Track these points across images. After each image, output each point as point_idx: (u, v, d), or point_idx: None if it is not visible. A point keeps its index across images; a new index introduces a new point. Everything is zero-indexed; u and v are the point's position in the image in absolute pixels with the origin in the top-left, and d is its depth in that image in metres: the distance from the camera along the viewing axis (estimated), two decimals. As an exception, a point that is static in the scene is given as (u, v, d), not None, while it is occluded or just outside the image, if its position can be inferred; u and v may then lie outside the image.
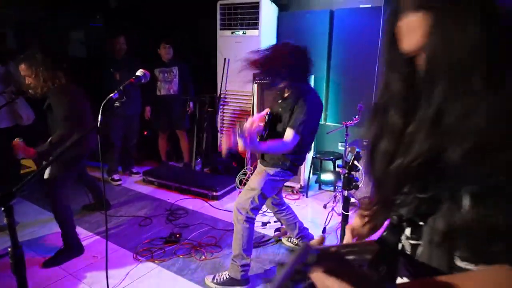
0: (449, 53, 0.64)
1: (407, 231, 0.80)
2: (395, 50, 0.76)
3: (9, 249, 1.35)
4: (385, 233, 0.83)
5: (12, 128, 3.87)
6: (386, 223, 0.85)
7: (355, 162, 1.79)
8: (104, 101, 1.56)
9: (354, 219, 1.02)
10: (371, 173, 0.85)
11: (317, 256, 0.59)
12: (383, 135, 0.81)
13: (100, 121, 1.52)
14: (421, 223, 0.75)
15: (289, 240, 3.12)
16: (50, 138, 2.75)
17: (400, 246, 0.82)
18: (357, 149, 1.81)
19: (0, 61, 3.74)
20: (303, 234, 2.93)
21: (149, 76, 1.79)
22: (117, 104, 1.61)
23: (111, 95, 1.61)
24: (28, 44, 4.24)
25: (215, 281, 2.55)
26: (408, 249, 0.80)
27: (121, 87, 1.64)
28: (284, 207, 2.90)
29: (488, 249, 0.61)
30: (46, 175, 2.85)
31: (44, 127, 4.15)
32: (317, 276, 0.62)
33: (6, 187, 1.32)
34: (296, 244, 3.04)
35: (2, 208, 1.30)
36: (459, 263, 0.67)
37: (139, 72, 1.74)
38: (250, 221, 2.49)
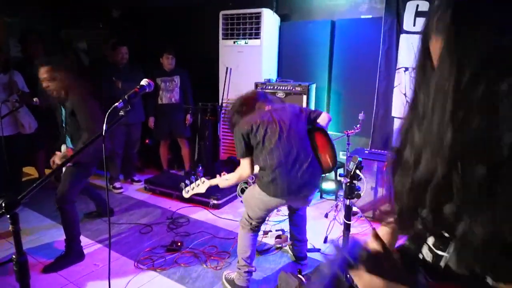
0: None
1: (430, 241, 0.80)
2: (426, 72, 0.75)
3: (13, 256, 1.36)
4: (407, 242, 0.83)
5: (15, 136, 3.89)
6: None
7: (357, 171, 1.80)
8: (109, 110, 1.57)
9: (380, 229, 0.99)
10: (393, 186, 0.84)
11: (367, 253, 0.61)
12: (405, 149, 0.80)
13: (105, 130, 1.54)
14: (446, 234, 0.74)
15: (290, 247, 3.12)
16: (80, 142, 2.79)
17: (421, 256, 0.82)
18: (359, 158, 1.82)
19: (3, 70, 3.77)
20: (300, 242, 2.97)
21: (153, 86, 1.81)
22: (121, 113, 1.63)
23: (116, 104, 1.63)
24: (31, 53, 4.28)
25: (227, 276, 2.70)
26: (429, 259, 0.79)
27: (125, 96, 1.66)
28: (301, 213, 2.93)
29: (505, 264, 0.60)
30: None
31: (46, 135, 4.20)
32: (359, 274, 0.64)
33: (10, 194, 1.34)
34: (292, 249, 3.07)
35: (8, 216, 1.31)
36: (489, 280, 0.66)
37: (143, 82, 1.76)
38: (255, 230, 2.55)
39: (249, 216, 2.55)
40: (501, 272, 0.63)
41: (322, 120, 2.67)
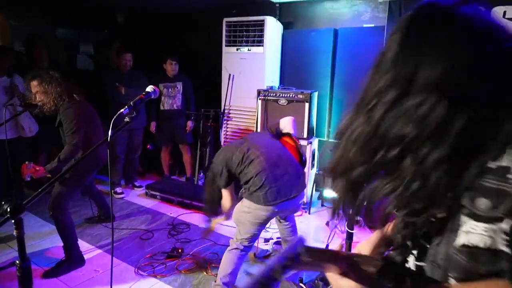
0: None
1: (415, 252, 0.81)
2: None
3: (17, 262, 1.36)
4: (391, 252, 0.84)
5: (15, 140, 3.89)
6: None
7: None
8: (115, 117, 1.58)
9: (372, 235, 1.01)
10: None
11: (306, 248, 0.63)
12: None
13: (110, 135, 1.54)
14: (427, 245, 0.76)
15: None
16: (59, 155, 2.79)
17: (407, 265, 0.82)
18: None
19: (6, 74, 3.78)
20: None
21: (159, 93, 1.82)
22: (127, 119, 1.64)
23: (121, 110, 1.64)
24: (36, 57, 4.30)
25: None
26: (413, 268, 0.80)
27: (131, 103, 1.67)
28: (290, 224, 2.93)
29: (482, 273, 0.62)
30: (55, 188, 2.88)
31: (47, 138, 4.20)
32: (332, 276, 0.68)
33: (14, 199, 1.34)
34: None
35: (12, 221, 1.31)
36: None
37: (149, 88, 1.77)
38: (245, 250, 2.54)
39: (240, 234, 2.50)
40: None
41: (285, 125, 2.83)
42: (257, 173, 2.39)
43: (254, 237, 2.53)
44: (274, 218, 2.95)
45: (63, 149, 2.80)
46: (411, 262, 0.81)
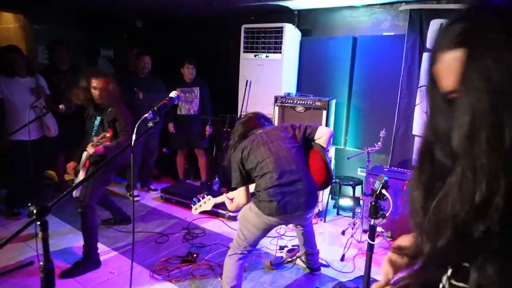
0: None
1: (449, 271, 0.77)
2: (437, 92, 0.73)
3: (41, 263, 1.37)
4: (420, 270, 0.79)
5: (40, 140, 3.97)
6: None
7: (383, 191, 1.77)
8: (139, 121, 1.59)
9: (392, 251, 0.98)
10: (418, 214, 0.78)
11: None
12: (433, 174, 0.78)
13: (134, 140, 1.55)
14: (465, 264, 0.72)
15: (302, 259, 3.10)
16: (116, 140, 2.98)
17: (441, 286, 0.79)
18: (385, 178, 1.80)
19: (28, 73, 3.85)
20: (312, 255, 2.97)
21: (182, 98, 1.83)
22: (150, 124, 1.65)
23: (145, 115, 1.65)
24: (58, 61, 4.39)
25: None
26: None
27: (155, 108, 1.68)
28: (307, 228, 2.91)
29: None
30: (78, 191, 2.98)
31: (65, 138, 4.29)
32: None
33: (39, 201, 1.35)
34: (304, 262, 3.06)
35: (38, 223, 1.33)
36: None
37: (172, 94, 1.78)
38: (244, 255, 2.55)
39: (243, 236, 2.50)
40: None
41: (321, 135, 2.60)
42: (266, 188, 2.40)
43: (255, 243, 2.54)
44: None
45: (120, 137, 3.02)
46: (444, 282, 0.77)
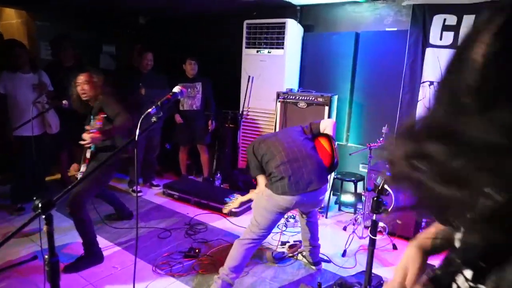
0: None
1: (467, 273, 0.72)
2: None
3: (46, 257, 1.39)
4: (439, 272, 0.78)
5: (41, 136, 3.98)
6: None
7: (385, 186, 1.77)
8: (143, 116, 1.59)
9: (405, 259, 0.92)
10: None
11: None
12: None
13: (138, 135, 1.56)
14: (483, 265, 0.67)
15: (303, 254, 3.13)
16: (111, 126, 2.94)
17: (455, 286, 0.74)
18: (388, 173, 1.80)
19: (31, 69, 3.86)
20: (314, 247, 3.01)
21: (186, 93, 1.84)
22: (154, 119, 1.65)
23: (149, 110, 1.65)
24: (62, 57, 4.39)
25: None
26: None
27: (158, 103, 1.68)
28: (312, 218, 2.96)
29: None
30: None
31: (69, 136, 4.30)
32: None
33: (45, 195, 1.37)
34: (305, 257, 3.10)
35: (43, 216, 1.34)
36: None
37: (175, 89, 1.78)
38: (256, 241, 2.62)
39: (255, 222, 2.56)
40: None
41: (325, 127, 2.84)
42: (277, 166, 2.54)
43: (267, 228, 2.56)
44: (298, 213, 3.03)
45: (117, 120, 2.94)
46: (461, 283, 0.73)
